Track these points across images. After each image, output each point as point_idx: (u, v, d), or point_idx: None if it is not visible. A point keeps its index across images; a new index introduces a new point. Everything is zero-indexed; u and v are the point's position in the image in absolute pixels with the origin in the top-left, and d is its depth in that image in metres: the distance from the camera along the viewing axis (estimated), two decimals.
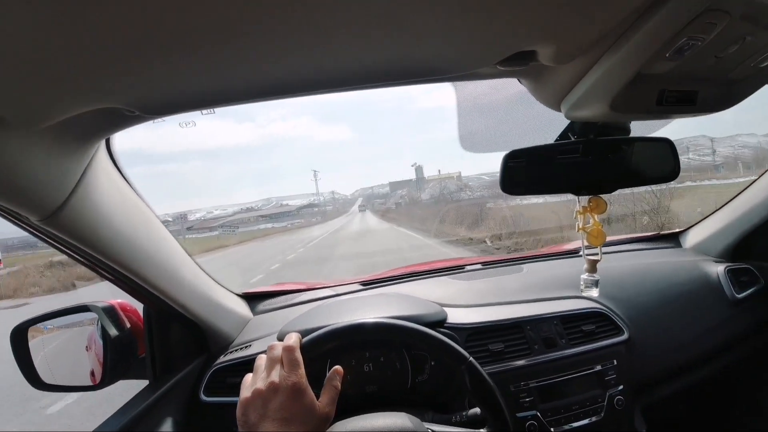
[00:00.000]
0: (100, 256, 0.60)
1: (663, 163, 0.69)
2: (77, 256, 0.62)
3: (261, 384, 0.53)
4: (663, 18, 0.39)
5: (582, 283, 0.71)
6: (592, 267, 0.71)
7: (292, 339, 0.58)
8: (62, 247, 0.59)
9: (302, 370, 0.54)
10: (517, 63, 0.45)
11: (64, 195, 0.51)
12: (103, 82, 0.38)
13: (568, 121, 0.66)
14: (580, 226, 0.67)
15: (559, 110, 0.56)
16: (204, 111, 0.51)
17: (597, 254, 0.70)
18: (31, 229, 0.55)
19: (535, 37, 0.41)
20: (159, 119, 0.52)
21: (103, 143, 0.57)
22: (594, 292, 0.70)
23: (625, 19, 0.40)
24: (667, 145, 0.69)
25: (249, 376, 0.56)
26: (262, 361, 0.57)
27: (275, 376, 0.53)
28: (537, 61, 0.45)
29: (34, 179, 0.47)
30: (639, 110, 0.54)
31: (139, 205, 0.68)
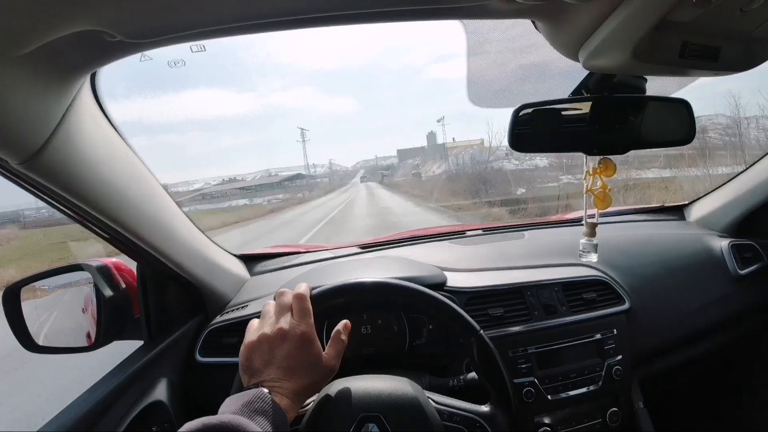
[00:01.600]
0: (86, 206, 0.57)
1: (679, 125, 0.66)
2: (63, 207, 0.59)
3: (269, 329, 0.51)
4: None
5: (581, 247, 0.70)
6: (592, 231, 0.69)
7: (303, 287, 0.56)
8: (45, 196, 0.56)
9: (312, 320, 0.53)
10: None
11: (45, 135, 0.47)
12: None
13: (581, 79, 0.63)
14: (588, 188, 0.65)
15: (577, 59, 0.53)
16: (194, 48, 0.48)
17: (595, 217, 0.68)
18: (11, 175, 0.52)
19: None
20: (146, 58, 0.48)
21: (87, 83, 0.53)
22: (593, 258, 0.69)
23: None
24: (683, 106, 0.66)
25: (255, 321, 0.55)
26: (270, 307, 0.55)
27: (284, 323, 0.52)
28: None
29: (12, 116, 0.43)
30: (661, 61, 0.51)
31: (128, 154, 0.65)
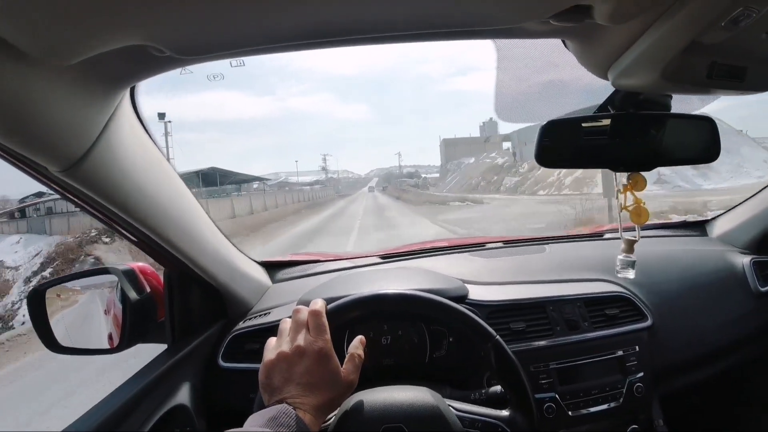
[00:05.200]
0: (121, 212, 0.59)
1: (703, 142, 0.66)
2: (96, 213, 0.61)
3: (286, 347, 0.52)
4: None
5: (618, 263, 0.69)
6: (629, 247, 0.68)
7: (318, 304, 0.57)
8: (80, 202, 0.58)
9: (328, 336, 0.54)
10: (570, 19, 0.42)
11: (87, 144, 0.48)
12: (133, 15, 0.35)
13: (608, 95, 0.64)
14: (623, 205, 0.65)
15: (606, 77, 0.54)
16: (234, 63, 0.49)
17: (635, 234, 0.68)
18: (49, 182, 0.53)
19: None
20: (186, 72, 0.50)
21: (127, 93, 0.55)
22: (630, 274, 0.68)
23: None
24: (708, 124, 0.66)
25: (273, 339, 0.56)
26: (287, 324, 0.56)
27: (301, 340, 0.52)
28: (591, 18, 0.42)
29: (55, 125, 0.45)
30: (689, 81, 0.52)
31: (161, 162, 0.66)
